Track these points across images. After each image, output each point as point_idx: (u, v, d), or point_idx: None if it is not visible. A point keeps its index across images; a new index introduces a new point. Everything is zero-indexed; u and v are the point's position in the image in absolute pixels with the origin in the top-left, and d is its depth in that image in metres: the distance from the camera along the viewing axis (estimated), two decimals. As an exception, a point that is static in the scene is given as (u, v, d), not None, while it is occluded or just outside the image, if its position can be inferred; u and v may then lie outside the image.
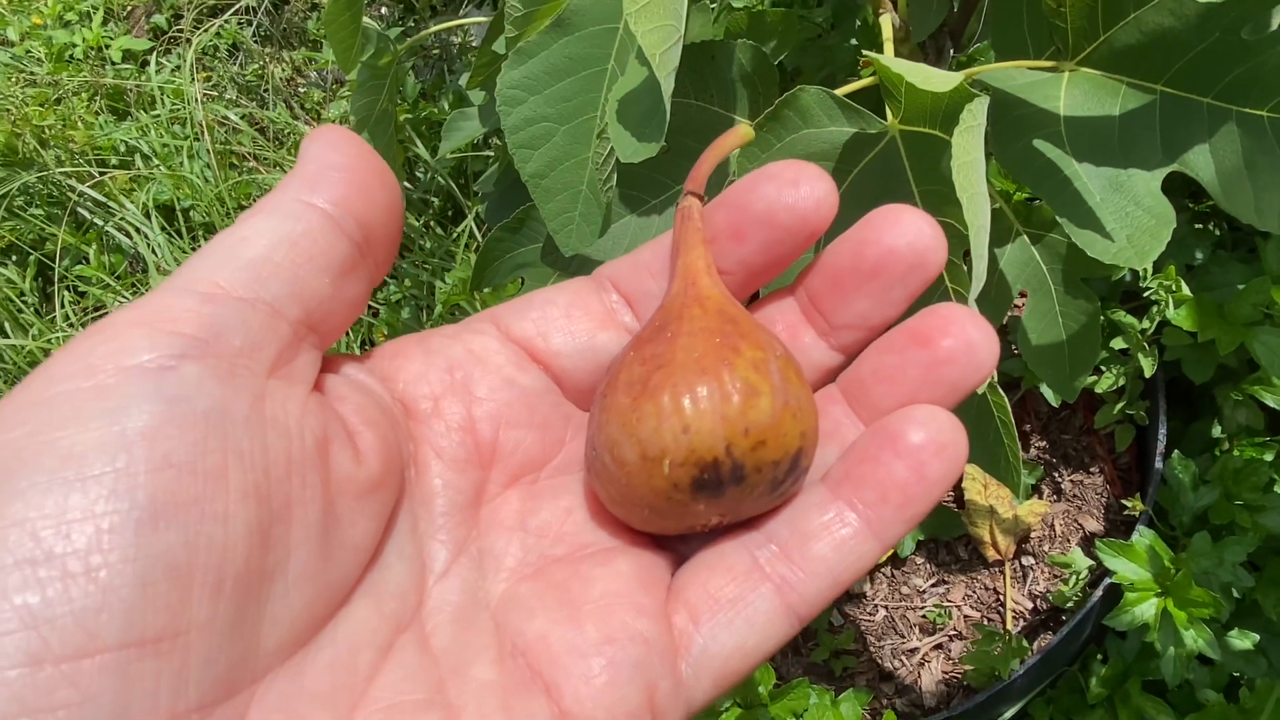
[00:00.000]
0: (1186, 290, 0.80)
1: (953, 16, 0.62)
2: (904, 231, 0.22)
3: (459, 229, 1.26)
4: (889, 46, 0.44)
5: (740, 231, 0.23)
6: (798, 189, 0.23)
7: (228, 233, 0.20)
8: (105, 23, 1.75)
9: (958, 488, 0.96)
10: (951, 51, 0.63)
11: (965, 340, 0.22)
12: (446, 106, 1.37)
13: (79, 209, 1.37)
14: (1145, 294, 0.83)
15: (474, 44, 1.53)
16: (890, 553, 0.92)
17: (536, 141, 0.42)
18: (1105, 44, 0.45)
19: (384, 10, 1.70)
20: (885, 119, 0.41)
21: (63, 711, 0.14)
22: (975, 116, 0.33)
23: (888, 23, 0.47)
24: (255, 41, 1.69)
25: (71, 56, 1.68)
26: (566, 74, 0.41)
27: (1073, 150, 0.44)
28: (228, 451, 0.17)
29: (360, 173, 0.20)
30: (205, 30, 1.68)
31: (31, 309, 1.29)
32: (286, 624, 0.18)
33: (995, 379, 0.38)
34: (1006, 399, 0.38)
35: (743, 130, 0.26)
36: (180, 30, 1.73)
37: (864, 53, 0.38)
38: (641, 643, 0.20)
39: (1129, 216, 0.43)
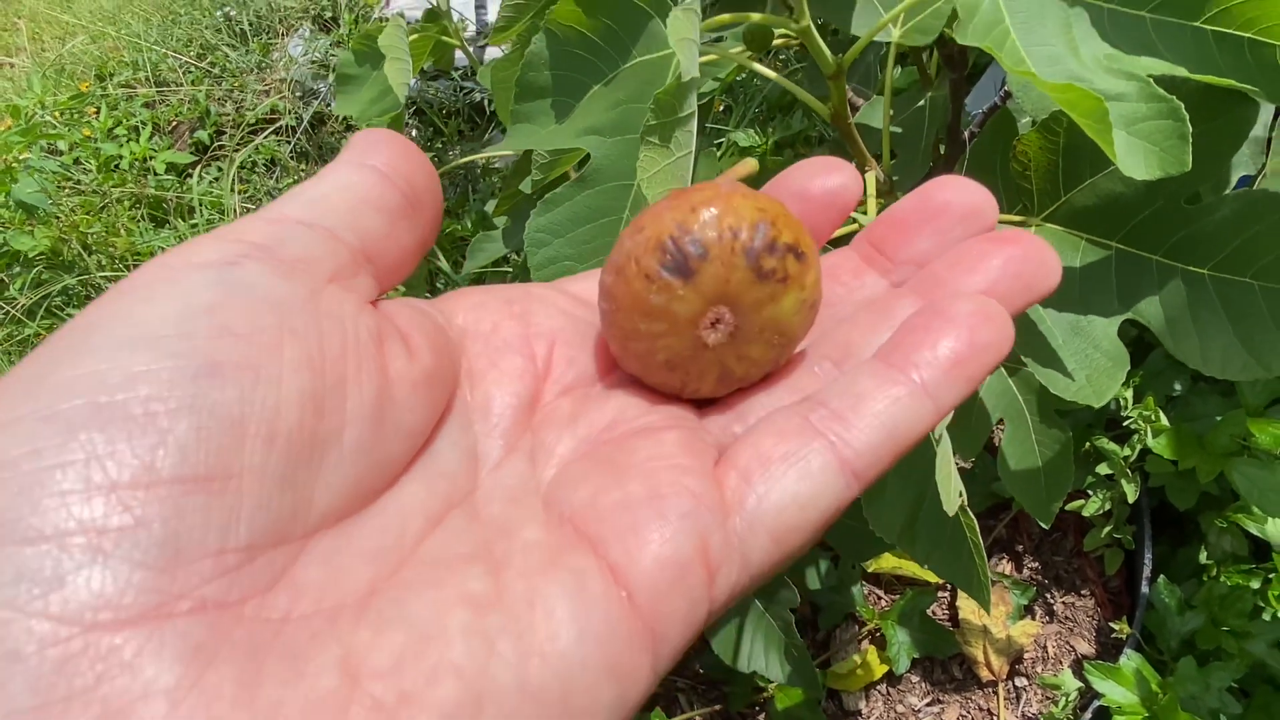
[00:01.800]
0: (1165, 421, 0.84)
1: (938, 165, 0.69)
2: (962, 188, 0.25)
3: (475, 339, 1.32)
4: (873, 202, 0.50)
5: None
6: (827, 174, 0.25)
7: (294, 188, 0.22)
8: (151, 136, 1.87)
9: (952, 606, 0.98)
10: (936, 198, 0.69)
11: (1044, 250, 0.23)
12: (470, 224, 1.45)
13: (114, 310, 1.44)
14: (1125, 423, 0.87)
15: (495, 165, 1.63)
16: (886, 670, 0.93)
17: (558, 277, 0.47)
18: (1066, 204, 0.50)
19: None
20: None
21: (115, 534, 0.15)
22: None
23: (872, 179, 0.53)
24: (291, 158, 1.80)
25: (117, 166, 1.79)
26: (587, 221, 0.47)
27: (1038, 296, 0.49)
28: (283, 329, 0.18)
29: (404, 145, 0.23)
30: (245, 146, 1.79)
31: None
32: (338, 489, 0.19)
33: (965, 501, 0.42)
34: (976, 521, 0.41)
35: (750, 163, 0.30)
36: (221, 146, 1.84)
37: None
38: (689, 495, 0.19)
39: (1088, 358, 0.47)
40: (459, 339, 0.24)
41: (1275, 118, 0.55)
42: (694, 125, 0.40)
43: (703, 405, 0.24)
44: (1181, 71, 0.39)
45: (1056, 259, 0.23)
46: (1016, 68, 0.38)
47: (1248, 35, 0.38)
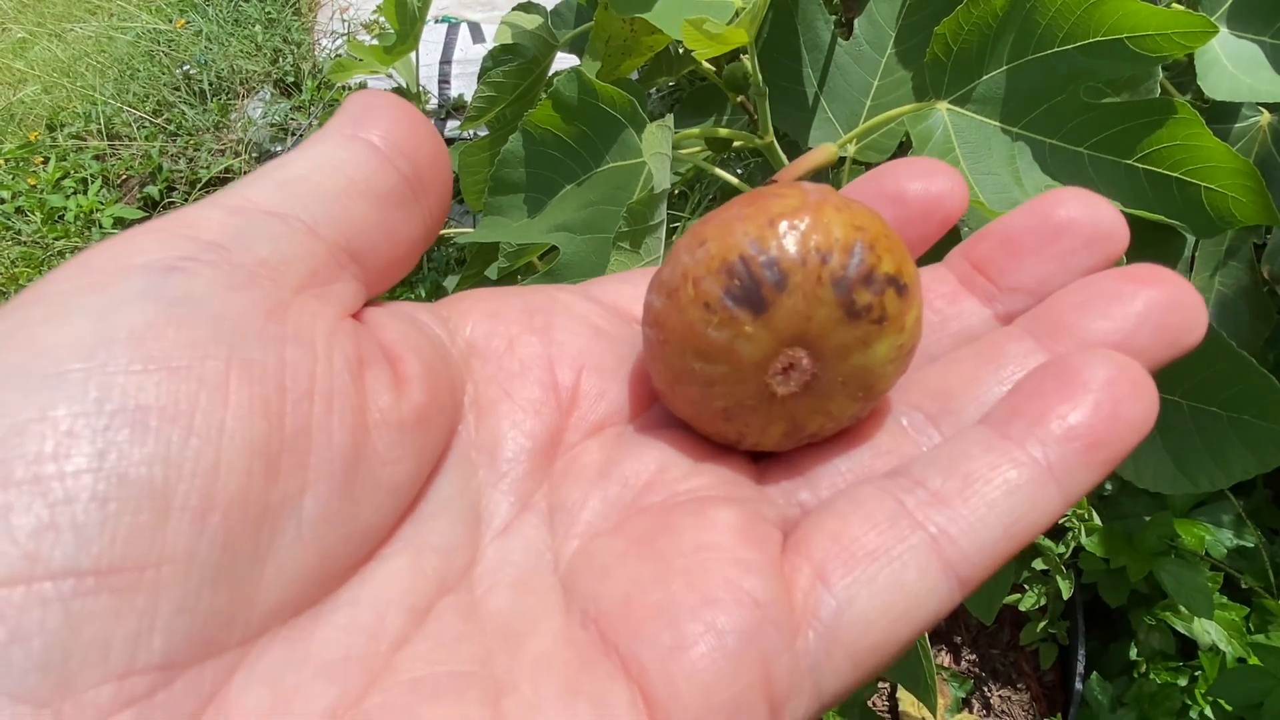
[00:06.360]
0: (1098, 520, 0.87)
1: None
2: (1088, 204, 0.20)
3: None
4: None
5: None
6: (929, 176, 0.21)
7: (268, 164, 0.18)
8: (100, 189, 1.84)
9: (892, 698, 0.98)
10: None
11: (1191, 294, 0.19)
12: (424, 293, 1.46)
13: (48, 365, 1.40)
14: (1060, 520, 0.90)
15: (449, 236, 1.64)
16: (826, 762, 0.93)
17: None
18: (1009, 315, 0.53)
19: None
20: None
21: None
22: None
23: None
24: (244, 218, 1.79)
25: (61, 218, 1.76)
26: (552, 313, 0.48)
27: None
28: (232, 360, 0.14)
29: (406, 113, 0.19)
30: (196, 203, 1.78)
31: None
32: (293, 575, 0.14)
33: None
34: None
35: (829, 149, 0.27)
36: (172, 202, 1.82)
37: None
38: (751, 605, 0.15)
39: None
40: (464, 357, 0.19)
41: (1197, 239, 0.58)
42: (662, 232, 0.42)
43: (761, 457, 0.20)
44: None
45: (1203, 307, 0.19)
46: (967, 194, 0.41)
47: (1176, 175, 0.41)
